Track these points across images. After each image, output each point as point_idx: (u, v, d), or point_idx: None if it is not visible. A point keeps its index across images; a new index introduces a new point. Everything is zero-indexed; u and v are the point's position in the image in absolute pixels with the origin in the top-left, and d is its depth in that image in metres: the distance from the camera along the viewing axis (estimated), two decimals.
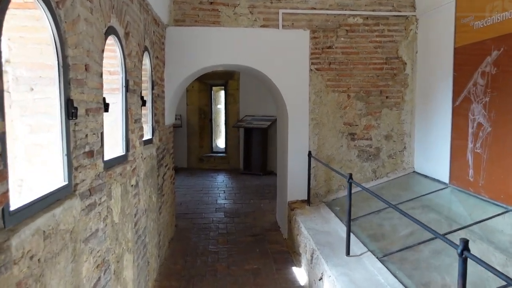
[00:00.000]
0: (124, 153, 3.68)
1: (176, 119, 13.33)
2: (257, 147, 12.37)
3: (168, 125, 6.41)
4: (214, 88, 14.06)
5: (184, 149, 13.53)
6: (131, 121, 3.86)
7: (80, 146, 2.51)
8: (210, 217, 7.76)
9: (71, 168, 2.39)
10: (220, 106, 14.49)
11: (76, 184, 2.46)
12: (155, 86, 5.30)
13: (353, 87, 6.28)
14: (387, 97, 6.32)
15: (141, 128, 4.36)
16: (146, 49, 4.73)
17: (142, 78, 4.76)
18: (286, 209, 6.48)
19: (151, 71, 5.09)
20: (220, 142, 14.50)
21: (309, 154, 6.15)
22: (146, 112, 5.06)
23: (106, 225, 3.00)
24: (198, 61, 6.15)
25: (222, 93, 14.13)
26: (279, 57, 6.19)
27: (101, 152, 2.93)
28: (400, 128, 6.36)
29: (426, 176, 5.97)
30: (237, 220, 7.59)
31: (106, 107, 3.06)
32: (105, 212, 2.98)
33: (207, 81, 13.48)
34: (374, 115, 6.32)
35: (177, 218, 7.48)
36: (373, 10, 6.22)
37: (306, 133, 6.29)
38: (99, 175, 2.87)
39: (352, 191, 6.48)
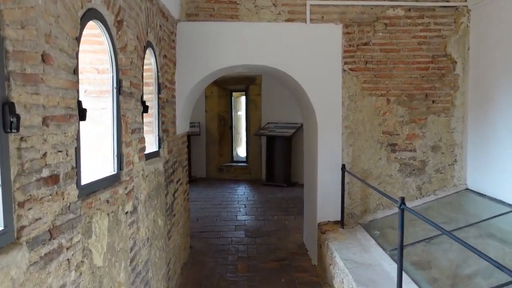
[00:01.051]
0: (115, 172, 2.90)
1: (194, 126, 12.67)
2: (280, 157, 11.53)
3: (181, 134, 5.64)
4: (234, 93, 13.31)
5: (202, 158, 12.81)
6: (125, 132, 3.08)
7: (31, 170, 1.73)
8: (229, 237, 6.95)
9: (11, 204, 1.61)
10: (240, 112, 13.74)
11: (22, 228, 1.67)
12: (163, 90, 4.54)
13: (393, 90, 5.39)
14: (433, 101, 5.40)
15: (142, 140, 3.59)
16: (149, 45, 3.97)
17: (145, 80, 4.01)
18: (315, 231, 5.61)
19: (157, 72, 4.33)
20: (241, 151, 13.72)
21: (343, 168, 5.28)
22: (152, 120, 4.30)
23: (80, 274, 2.20)
24: (213, 61, 5.37)
25: (243, 99, 13.37)
26: (307, 56, 5.37)
27: (73, 175, 2.15)
28: (450, 137, 5.43)
29: (483, 195, 5.03)
30: (259, 240, 6.75)
31: (82, 114, 2.28)
32: (79, 257, 2.19)
33: (227, 86, 12.76)
34: (418, 123, 5.41)
35: (193, 237, 6.69)
36: (416, 1, 5.34)
37: (338, 143, 5.43)
38: (69, 207, 2.09)
39: (392, 212, 5.61)
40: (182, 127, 5.63)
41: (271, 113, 12.15)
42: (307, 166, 6.43)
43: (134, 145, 3.32)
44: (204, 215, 8.31)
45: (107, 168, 2.88)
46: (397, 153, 5.44)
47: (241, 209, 8.80)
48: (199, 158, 12.72)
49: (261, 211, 8.65)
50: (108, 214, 2.65)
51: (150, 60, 4.21)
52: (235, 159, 13.37)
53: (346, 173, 5.30)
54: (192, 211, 8.32)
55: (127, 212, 3.05)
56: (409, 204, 5.35)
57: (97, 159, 2.86)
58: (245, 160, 13.19)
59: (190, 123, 12.75)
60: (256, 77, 12.24)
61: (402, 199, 3.35)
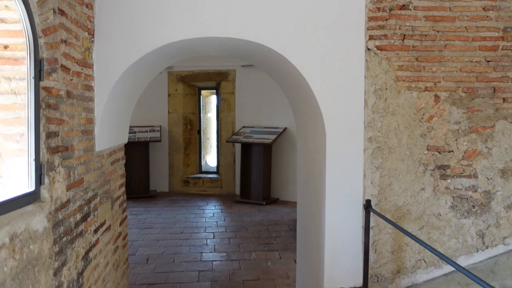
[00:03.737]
0: None
1: (154, 131, 10.51)
2: (258, 168, 9.49)
3: (108, 150, 3.54)
4: (203, 92, 11.23)
5: (164, 169, 10.69)
6: None
7: None
8: None
9: None
10: (210, 114, 11.64)
11: None
12: (55, 74, 2.43)
13: (444, 82, 3.43)
14: (504, 99, 3.47)
15: None
16: None
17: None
18: None
19: (34, 38, 2.22)
20: (211, 159, 11.62)
21: (367, 205, 3.29)
22: (24, 131, 2.20)
23: None
24: (158, 32, 3.28)
25: (214, 98, 11.30)
26: (311, 25, 3.36)
27: None
28: None
29: None
30: None
31: None
32: None
33: (195, 83, 10.70)
34: (481, 133, 3.47)
35: None
36: None
37: (359, 165, 3.43)
38: None
39: (440, 273, 3.67)
40: (110, 137, 3.53)
41: (247, 115, 10.14)
42: (303, 197, 4.39)
43: None
44: (158, 252, 6.19)
45: None
46: (449, 180, 3.47)
47: (208, 241, 6.71)
48: (160, 169, 10.60)
49: (234, 244, 6.59)
50: None
51: (16, 15, 2.12)
52: (203, 169, 11.27)
53: (371, 212, 3.31)
54: (142, 245, 6.28)
55: None
56: (466, 259, 3.45)
57: None
58: (215, 170, 11.11)
59: (150, 126, 10.66)
60: (229, 72, 10.21)
61: None
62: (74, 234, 2.72)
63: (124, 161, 4.18)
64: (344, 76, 3.39)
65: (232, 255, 6.05)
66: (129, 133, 10.10)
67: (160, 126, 10.45)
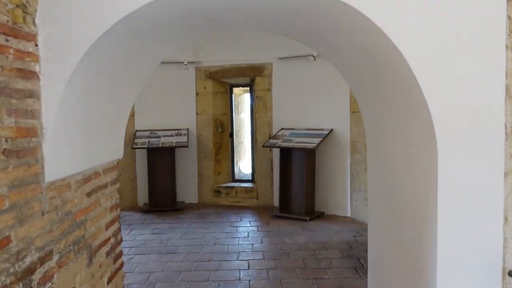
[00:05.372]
0: None
1: (180, 134, 9.31)
2: (299, 177, 8.08)
3: (77, 175, 2.24)
4: (235, 89, 9.91)
5: (193, 177, 9.44)
6: None
7: None
8: None
9: None
10: (244, 115, 10.32)
11: None
12: None
13: None
14: None
15: None
16: None
17: None
18: None
19: None
20: (245, 166, 10.30)
21: None
22: None
23: None
24: None
25: (247, 96, 9.96)
26: None
27: None
28: None
29: None
30: None
31: None
32: None
33: (225, 79, 9.41)
34: None
35: None
36: None
37: (496, 201, 1.98)
38: None
39: None
40: (80, 155, 2.23)
41: (286, 115, 8.73)
42: (382, 234, 2.94)
43: None
44: None
45: None
46: None
47: (241, 275, 5.36)
48: (188, 178, 9.37)
49: (274, 278, 5.21)
50: None
51: None
52: (237, 177, 9.95)
53: None
54: (161, 279, 5.14)
55: None
56: None
57: None
58: (250, 179, 9.77)
59: (175, 130, 9.39)
60: (265, 66, 8.85)
61: None
62: None
63: (117, 186, 2.88)
64: (469, 47, 1.95)
65: None
66: (153, 138, 8.99)
67: (188, 130, 9.20)
